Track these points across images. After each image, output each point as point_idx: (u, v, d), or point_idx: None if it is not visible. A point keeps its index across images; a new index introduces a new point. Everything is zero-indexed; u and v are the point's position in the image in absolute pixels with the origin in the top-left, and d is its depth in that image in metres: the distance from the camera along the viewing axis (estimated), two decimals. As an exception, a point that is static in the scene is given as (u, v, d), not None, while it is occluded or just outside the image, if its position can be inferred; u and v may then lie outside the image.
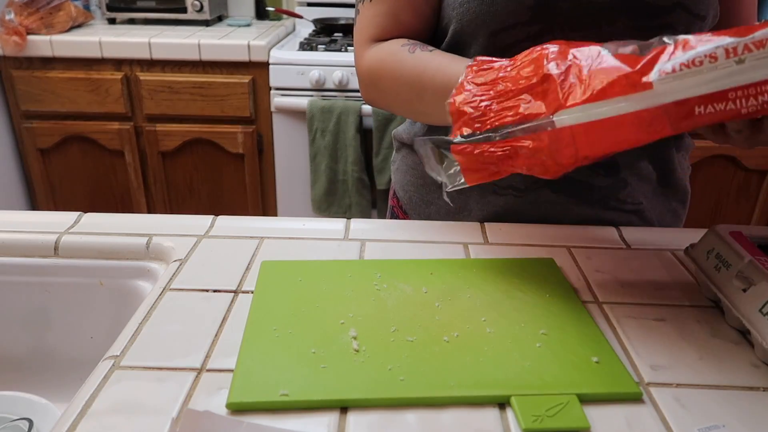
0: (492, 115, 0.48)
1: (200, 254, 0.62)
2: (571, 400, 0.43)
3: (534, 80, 0.47)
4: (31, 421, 0.58)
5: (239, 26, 2.09)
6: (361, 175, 1.84)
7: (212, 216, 0.70)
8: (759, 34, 0.39)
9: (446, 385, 0.44)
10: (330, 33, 2.07)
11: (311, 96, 1.82)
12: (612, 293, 0.57)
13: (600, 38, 0.62)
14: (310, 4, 2.22)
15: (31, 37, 1.80)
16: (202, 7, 2.02)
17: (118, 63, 1.85)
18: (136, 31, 1.93)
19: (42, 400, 0.62)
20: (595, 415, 0.42)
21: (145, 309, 0.53)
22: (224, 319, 0.52)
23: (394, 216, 0.87)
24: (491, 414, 0.42)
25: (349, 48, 1.87)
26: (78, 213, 0.69)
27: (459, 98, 0.50)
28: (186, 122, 1.91)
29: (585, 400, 0.43)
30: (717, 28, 0.70)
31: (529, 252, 0.64)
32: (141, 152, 1.95)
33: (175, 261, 0.61)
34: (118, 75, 1.85)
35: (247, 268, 0.60)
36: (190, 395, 0.43)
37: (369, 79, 0.70)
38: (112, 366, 0.46)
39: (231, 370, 0.46)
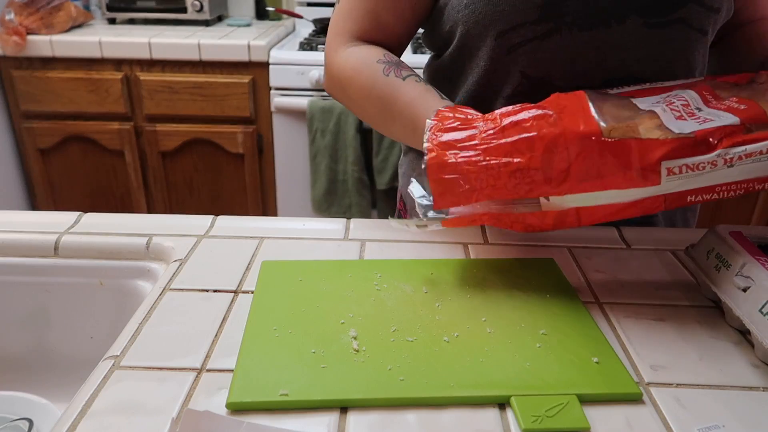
0: (484, 187, 0.49)
1: (200, 254, 0.62)
2: (571, 400, 0.43)
3: (532, 161, 0.48)
4: (31, 421, 0.58)
5: (239, 26, 2.09)
6: (361, 175, 1.84)
7: (212, 216, 0.70)
8: (751, 147, 0.46)
9: (446, 385, 0.44)
10: (330, 33, 2.07)
11: (311, 96, 1.82)
12: (612, 293, 0.57)
13: (609, 37, 0.61)
14: (310, 4, 2.22)
15: (31, 37, 1.80)
16: (202, 7, 2.02)
17: (118, 63, 1.85)
18: (136, 31, 1.93)
19: (42, 400, 0.62)
20: (595, 415, 0.42)
21: (145, 309, 0.53)
22: (224, 319, 0.52)
23: (400, 218, 0.86)
24: (491, 414, 0.42)
25: (349, 48, 1.87)
26: (78, 213, 0.69)
27: (433, 157, 0.50)
28: (186, 122, 1.91)
29: (585, 400, 0.43)
30: (733, 20, 0.69)
31: (529, 252, 0.64)
32: (141, 152, 1.95)
33: (175, 261, 0.61)
34: (118, 75, 1.85)
35: (247, 268, 0.60)
36: (190, 395, 0.43)
37: (338, 81, 0.70)
38: (112, 366, 0.46)
39: (231, 370, 0.46)
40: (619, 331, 0.52)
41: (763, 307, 0.47)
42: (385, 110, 0.65)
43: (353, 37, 0.70)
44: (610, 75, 0.64)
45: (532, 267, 0.60)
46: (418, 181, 0.55)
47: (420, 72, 0.77)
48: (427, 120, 0.52)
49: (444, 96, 0.62)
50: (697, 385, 0.46)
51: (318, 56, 1.81)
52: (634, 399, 0.44)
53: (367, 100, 0.67)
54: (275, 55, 1.81)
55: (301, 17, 2.14)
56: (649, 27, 0.61)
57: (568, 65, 0.64)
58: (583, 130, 0.47)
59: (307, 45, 1.89)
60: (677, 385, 0.46)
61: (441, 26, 0.69)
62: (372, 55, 0.67)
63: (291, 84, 1.82)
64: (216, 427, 0.40)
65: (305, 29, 2.18)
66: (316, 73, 1.77)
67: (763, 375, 0.47)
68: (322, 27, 2.08)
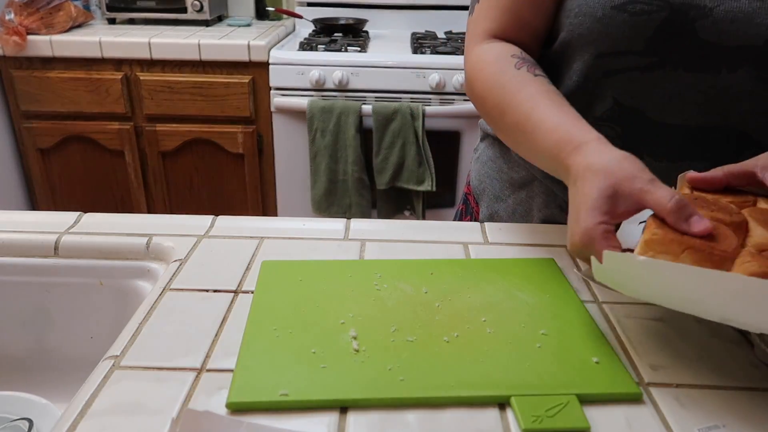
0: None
1: (200, 254, 0.62)
2: (571, 400, 0.43)
3: None
4: (31, 421, 0.58)
5: (239, 26, 2.09)
6: (361, 175, 1.84)
7: (212, 216, 0.70)
8: None
9: (446, 385, 0.44)
10: (330, 33, 2.07)
11: (311, 96, 1.82)
12: (612, 293, 0.57)
13: (716, 83, 0.58)
14: (310, 4, 2.22)
15: (31, 37, 1.80)
16: (202, 7, 2.02)
17: (118, 63, 1.85)
18: (136, 31, 1.93)
19: (42, 400, 0.62)
20: (595, 415, 0.42)
21: (145, 309, 0.53)
22: (224, 319, 0.52)
23: (465, 202, 0.85)
24: (491, 414, 0.42)
25: (349, 48, 1.87)
26: (78, 213, 0.69)
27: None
28: (186, 122, 1.91)
29: (585, 400, 0.43)
30: None
31: (529, 252, 0.64)
32: (141, 152, 1.95)
33: (175, 261, 0.61)
34: (118, 75, 1.85)
35: (247, 268, 0.60)
36: (190, 395, 0.43)
37: (468, 79, 0.67)
38: (112, 366, 0.46)
39: (231, 370, 0.46)
40: (619, 331, 0.52)
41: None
42: (503, 101, 0.61)
43: (490, 36, 0.66)
44: (707, 123, 0.61)
45: (532, 267, 0.60)
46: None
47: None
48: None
49: (574, 112, 0.57)
50: (697, 385, 0.46)
51: (318, 56, 1.81)
52: (634, 399, 0.44)
53: (489, 92, 0.63)
54: (275, 55, 1.81)
55: (301, 17, 2.14)
56: (761, 81, 0.58)
57: (666, 101, 0.61)
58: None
59: (307, 45, 1.89)
60: (677, 385, 0.46)
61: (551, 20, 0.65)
62: (507, 50, 0.64)
63: (291, 84, 1.82)
64: (216, 427, 0.40)
65: (305, 29, 2.18)
66: (316, 73, 1.77)
67: (763, 375, 0.47)
68: (322, 27, 2.08)
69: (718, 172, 0.50)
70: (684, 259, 0.43)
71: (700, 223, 0.43)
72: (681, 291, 0.42)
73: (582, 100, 0.64)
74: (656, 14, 0.56)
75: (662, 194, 0.44)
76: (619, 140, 0.63)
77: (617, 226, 0.50)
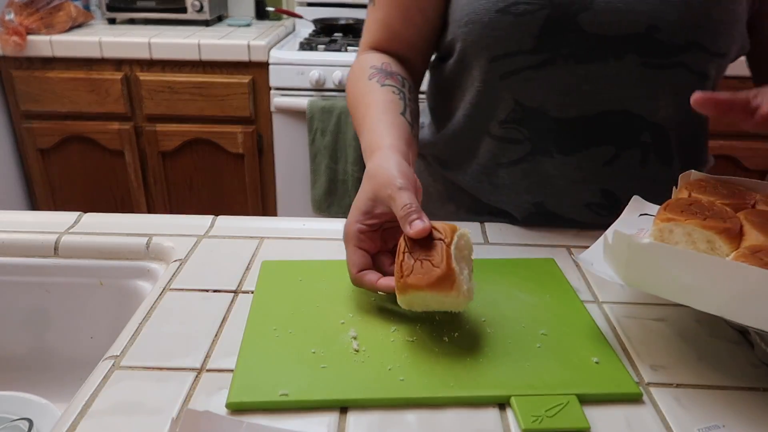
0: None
1: (200, 254, 0.62)
2: (571, 400, 0.43)
3: None
4: (31, 421, 0.58)
5: (239, 26, 2.09)
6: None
7: (212, 216, 0.70)
8: None
9: (446, 385, 0.44)
10: (330, 33, 2.07)
11: (311, 96, 1.82)
12: (612, 293, 0.57)
13: (606, 72, 0.61)
14: (310, 4, 2.21)
15: (31, 37, 1.80)
16: (202, 7, 2.02)
17: (118, 63, 1.85)
18: (136, 31, 1.93)
19: (42, 400, 0.62)
20: (595, 415, 0.42)
21: (145, 309, 0.53)
22: (224, 319, 0.52)
23: None
24: (491, 414, 0.42)
25: (349, 48, 1.87)
26: (78, 213, 0.69)
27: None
28: (186, 122, 1.91)
29: (585, 400, 0.43)
30: (753, 56, 0.67)
31: (529, 252, 0.64)
32: (141, 152, 1.95)
33: (175, 261, 0.61)
34: (118, 75, 1.85)
35: (247, 268, 0.60)
36: (190, 395, 0.43)
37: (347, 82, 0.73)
38: (112, 366, 0.46)
39: (231, 370, 0.46)
40: (619, 331, 0.52)
41: None
42: (353, 105, 0.67)
43: (369, 47, 0.72)
44: (603, 110, 0.64)
45: (532, 267, 0.60)
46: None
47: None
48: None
49: (408, 121, 0.62)
50: (697, 385, 0.46)
51: (317, 56, 1.81)
52: (634, 399, 0.44)
53: (350, 95, 0.69)
54: (275, 55, 1.81)
55: (301, 17, 2.14)
56: (647, 67, 0.61)
57: (562, 97, 0.63)
58: None
59: (307, 45, 1.89)
60: (677, 385, 0.46)
61: (445, 35, 0.69)
62: (371, 61, 0.68)
63: (291, 84, 1.81)
64: (216, 427, 0.40)
65: (305, 29, 2.18)
66: (316, 73, 1.77)
67: (763, 375, 0.47)
68: (322, 27, 2.08)
69: (723, 94, 0.52)
70: None
71: (415, 226, 0.48)
72: (681, 278, 0.43)
73: (486, 106, 0.67)
74: (539, 12, 0.59)
75: (400, 202, 0.49)
76: (528, 143, 0.67)
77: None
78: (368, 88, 0.66)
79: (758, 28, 0.65)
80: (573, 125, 0.65)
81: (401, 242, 0.49)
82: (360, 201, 0.53)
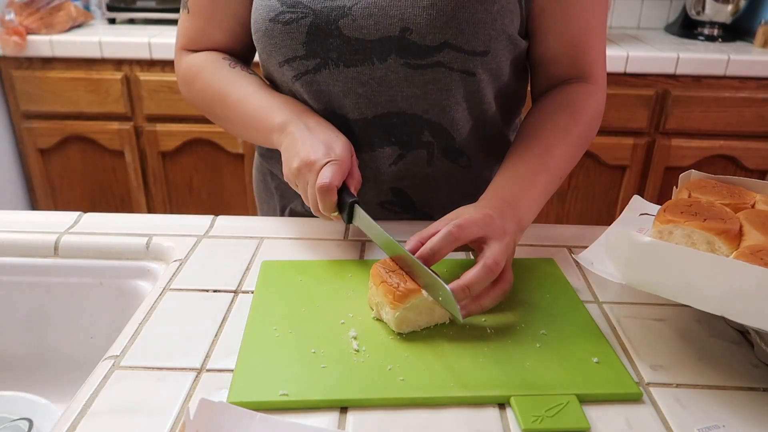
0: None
1: (200, 254, 0.62)
2: (571, 400, 0.43)
3: None
4: (31, 421, 0.58)
5: (239, 26, 2.09)
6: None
7: (212, 216, 0.70)
8: None
9: (446, 385, 0.44)
10: (330, 33, 2.07)
11: (311, 96, 1.82)
12: (612, 293, 0.57)
13: (375, 75, 0.63)
14: (310, 4, 2.22)
15: (31, 37, 1.80)
16: (202, 7, 2.02)
17: (118, 63, 1.84)
18: (136, 31, 1.93)
19: (42, 400, 0.62)
20: (595, 415, 0.42)
21: (145, 309, 0.53)
22: (224, 319, 0.52)
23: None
24: (491, 414, 0.42)
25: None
26: (78, 213, 0.69)
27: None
28: (186, 122, 1.91)
29: (585, 400, 0.43)
30: (535, 55, 0.68)
31: (529, 252, 0.64)
32: (141, 152, 1.95)
33: (175, 261, 0.61)
34: (118, 75, 1.84)
35: (247, 268, 0.60)
36: (190, 395, 0.43)
37: (184, 78, 0.75)
38: (112, 366, 0.46)
39: (231, 370, 0.46)
40: (619, 331, 0.52)
41: None
42: (223, 91, 0.68)
43: (187, 49, 0.76)
44: (381, 112, 0.65)
45: (532, 267, 0.60)
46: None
47: None
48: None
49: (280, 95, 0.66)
50: (697, 385, 0.46)
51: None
52: (634, 399, 0.44)
53: (210, 84, 0.70)
54: (275, 55, 1.81)
55: (301, 17, 2.14)
56: (409, 67, 0.62)
57: (343, 99, 0.65)
58: None
59: (307, 45, 1.89)
60: (677, 385, 0.46)
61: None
62: (217, 56, 0.72)
63: (291, 84, 1.82)
64: (229, 418, 0.40)
65: (305, 29, 2.18)
66: (316, 73, 1.77)
67: (763, 375, 0.47)
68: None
69: (412, 241, 0.54)
70: None
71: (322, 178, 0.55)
72: (682, 276, 0.43)
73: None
74: (303, 20, 0.62)
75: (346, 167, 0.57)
76: None
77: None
78: (238, 75, 0.69)
79: (539, 25, 0.66)
80: (356, 127, 0.67)
81: (378, 271, 0.52)
82: (341, 141, 0.59)
